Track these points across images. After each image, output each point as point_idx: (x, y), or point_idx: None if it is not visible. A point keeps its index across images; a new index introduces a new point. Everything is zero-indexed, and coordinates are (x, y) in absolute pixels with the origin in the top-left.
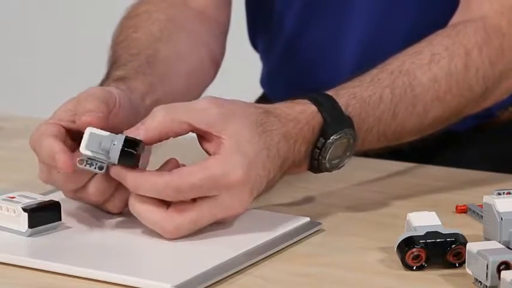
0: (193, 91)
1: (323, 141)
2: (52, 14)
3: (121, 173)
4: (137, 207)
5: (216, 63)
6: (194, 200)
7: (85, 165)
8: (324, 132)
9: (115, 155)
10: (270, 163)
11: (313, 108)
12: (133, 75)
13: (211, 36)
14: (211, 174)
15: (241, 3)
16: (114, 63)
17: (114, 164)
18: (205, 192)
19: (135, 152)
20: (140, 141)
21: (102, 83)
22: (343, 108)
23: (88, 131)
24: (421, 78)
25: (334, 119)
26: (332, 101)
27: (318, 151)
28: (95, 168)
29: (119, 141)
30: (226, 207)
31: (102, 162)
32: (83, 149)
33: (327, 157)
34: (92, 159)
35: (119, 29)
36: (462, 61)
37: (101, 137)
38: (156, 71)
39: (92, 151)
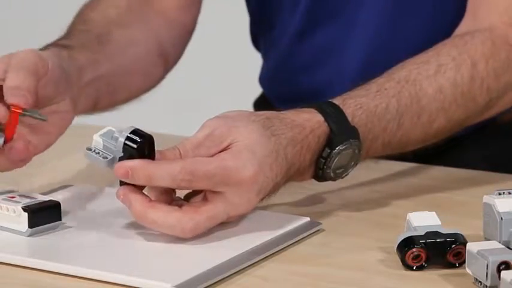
0: (136, 79)
1: (328, 151)
2: (52, 14)
3: (131, 164)
4: (151, 215)
5: (166, 62)
6: (205, 200)
7: (92, 152)
8: (329, 142)
9: (120, 144)
10: (277, 166)
11: (319, 117)
12: (79, 47)
13: (168, 37)
14: (225, 165)
15: (242, 3)
16: (64, 34)
17: (120, 157)
18: (217, 183)
19: (136, 146)
20: (148, 136)
21: (46, 48)
22: (349, 118)
23: (107, 127)
24: (427, 89)
25: (341, 130)
26: (338, 111)
27: (323, 161)
28: (100, 156)
29: (126, 131)
30: (236, 205)
31: (108, 154)
32: (96, 136)
33: (332, 167)
34: (100, 150)
35: (81, 8)
36: (468, 72)
37: (115, 131)
38: (104, 49)
39: (103, 139)
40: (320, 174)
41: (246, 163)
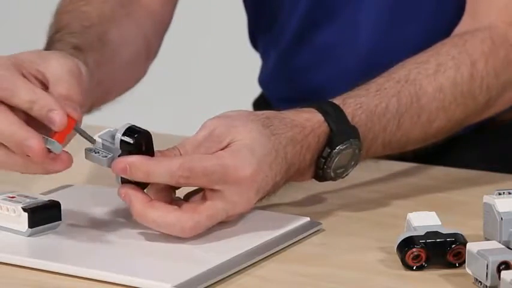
0: (128, 81)
1: (329, 150)
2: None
3: (130, 160)
4: (151, 214)
5: (150, 57)
6: (204, 199)
7: (92, 152)
8: (329, 142)
9: (118, 141)
10: (277, 165)
11: (319, 117)
12: (87, 48)
13: (152, 31)
14: (223, 163)
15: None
16: (62, 28)
17: (119, 155)
18: (215, 181)
19: (132, 141)
20: (144, 131)
21: (52, 44)
22: (349, 118)
23: (107, 129)
24: (426, 88)
25: (341, 129)
26: (338, 110)
27: (323, 160)
28: (100, 156)
29: (122, 128)
30: (235, 204)
31: (108, 153)
32: (96, 136)
33: (332, 167)
34: (99, 149)
35: None
36: (468, 71)
37: (113, 130)
38: (103, 51)
39: (102, 139)
40: (320, 174)
41: (245, 162)
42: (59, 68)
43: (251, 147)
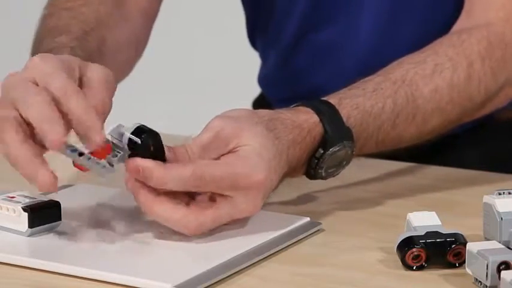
0: (117, 80)
1: (322, 152)
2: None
3: (143, 164)
4: (157, 208)
5: (138, 56)
6: (212, 201)
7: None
8: (323, 143)
9: (125, 141)
10: (280, 168)
11: (315, 118)
12: (89, 60)
13: (142, 28)
14: (234, 171)
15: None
16: (63, 30)
17: (129, 155)
18: (224, 188)
19: (140, 141)
20: (152, 131)
21: (57, 48)
22: (344, 119)
23: (117, 123)
24: (422, 89)
25: (335, 131)
26: (334, 111)
27: (316, 161)
28: (111, 155)
29: (130, 128)
30: (241, 209)
31: (118, 151)
32: (106, 134)
33: (324, 167)
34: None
35: None
36: (464, 72)
37: (123, 126)
38: (101, 60)
39: (112, 136)
40: (312, 173)
41: (255, 168)
42: (100, 74)
43: (259, 152)
